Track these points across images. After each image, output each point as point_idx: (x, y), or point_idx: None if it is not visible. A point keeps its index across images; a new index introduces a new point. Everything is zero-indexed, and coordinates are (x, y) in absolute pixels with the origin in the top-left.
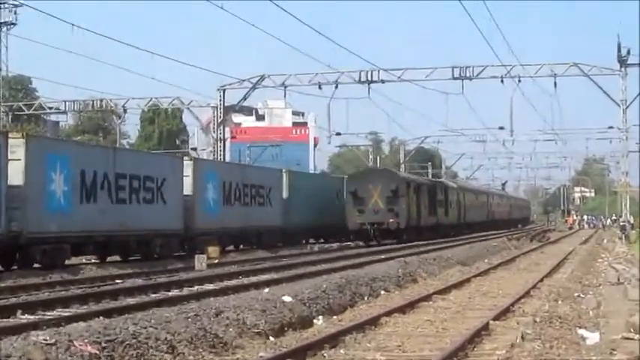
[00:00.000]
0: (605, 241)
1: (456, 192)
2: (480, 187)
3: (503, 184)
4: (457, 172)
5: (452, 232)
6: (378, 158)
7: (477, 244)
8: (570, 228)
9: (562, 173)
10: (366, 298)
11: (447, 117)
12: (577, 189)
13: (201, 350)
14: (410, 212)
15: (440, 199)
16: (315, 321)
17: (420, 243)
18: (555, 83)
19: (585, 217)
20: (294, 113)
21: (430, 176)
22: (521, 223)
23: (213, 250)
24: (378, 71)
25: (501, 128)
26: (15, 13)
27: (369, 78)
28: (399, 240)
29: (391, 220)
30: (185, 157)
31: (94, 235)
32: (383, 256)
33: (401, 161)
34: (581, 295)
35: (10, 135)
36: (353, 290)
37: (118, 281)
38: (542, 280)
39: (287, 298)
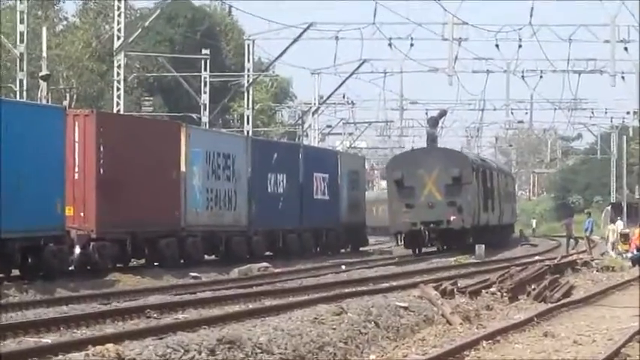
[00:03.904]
0: None
1: (496, 173)
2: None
3: (436, 119)
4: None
5: (501, 236)
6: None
7: (348, 306)
8: (635, 263)
9: (610, 96)
10: None
11: None
12: None
13: None
14: (475, 207)
15: (488, 185)
16: None
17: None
18: None
19: None
20: None
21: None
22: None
23: None
24: None
25: None
26: None
27: None
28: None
29: (453, 218)
30: None
31: None
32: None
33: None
34: None
35: None
36: None
37: None
38: None
39: None
